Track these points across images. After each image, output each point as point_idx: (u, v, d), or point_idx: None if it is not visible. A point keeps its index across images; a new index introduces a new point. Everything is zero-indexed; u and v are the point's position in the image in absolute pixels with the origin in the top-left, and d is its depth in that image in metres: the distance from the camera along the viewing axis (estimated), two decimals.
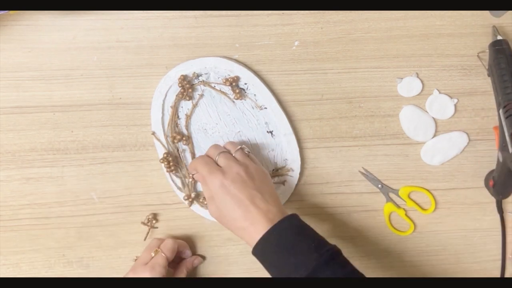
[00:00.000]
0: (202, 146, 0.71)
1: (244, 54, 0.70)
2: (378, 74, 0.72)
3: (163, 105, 0.69)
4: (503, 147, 0.67)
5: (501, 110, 0.66)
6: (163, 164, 0.70)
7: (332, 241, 0.75)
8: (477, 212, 0.75)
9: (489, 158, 0.74)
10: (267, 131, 0.71)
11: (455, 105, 0.72)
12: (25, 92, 0.70)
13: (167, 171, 0.70)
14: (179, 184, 0.71)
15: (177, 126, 0.70)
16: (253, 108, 0.70)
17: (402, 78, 0.72)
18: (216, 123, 0.70)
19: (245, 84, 0.69)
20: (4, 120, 0.70)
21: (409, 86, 0.72)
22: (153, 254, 0.68)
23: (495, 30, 0.69)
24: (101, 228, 0.73)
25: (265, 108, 0.70)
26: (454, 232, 0.76)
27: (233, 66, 0.69)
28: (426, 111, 0.72)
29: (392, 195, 0.74)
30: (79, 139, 0.71)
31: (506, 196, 0.72)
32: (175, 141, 0.70)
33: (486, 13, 0.71)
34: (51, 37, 0.69)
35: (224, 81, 0.68)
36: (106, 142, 0.71)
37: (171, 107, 0.69)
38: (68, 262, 0.73)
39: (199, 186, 0.72)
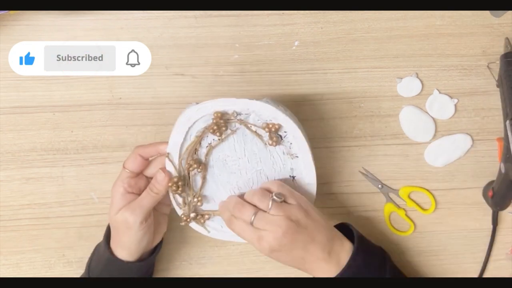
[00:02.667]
0: (216, 173, 0.66)
1: (244, 54, 0.70)
2: (378, 74, 0.72)
3: (187, 131, 0.63)
4: (506, 158, 0.67)
5: (507, 122, 0.66)
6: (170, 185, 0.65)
7: None
8: (477, 212, 0.75)
9: (489, 158, 0.74)
10: (290, 176, 0.66)
11: (455, 105, 0.72)
12: (25, 92, 0.70)
13: (173, 193, 0.65)
14: (180, 201, 0.67)
15: (195, 153, 0.65)
16: (284, 154, 0.65)
17: (402, 78, 0.72)
18: (239, 158, 0.65)
19: (285, 132, 0.64)
20: (4, 120, 0.70)
21: (409, 86, 0.72)
22: None
23: (508, 41, 0.69)
24: (101, 228, 0.72)
25: (297, 157, 0.65)
26: (454, 232, 0.75)
27: (278, 115, 0.62)
28: (426, 111, 0.72)
29: (392, 195, 0.74)
30: (79, 139, 0.71)
31: (504, 208, 0.72)
32: (191, 168, 0.64)
33: (486, 13, 0.71)
34: (51, 37, 0.69)
35: (264, 126, 0.63)
36: (106, 142, 0.71)
37: (197, 136, 0.63)
38: (68, 262, 0.73)
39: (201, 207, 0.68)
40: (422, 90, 0.72)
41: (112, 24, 0.69)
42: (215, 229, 0.68)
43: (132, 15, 0.69)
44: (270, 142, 0.63)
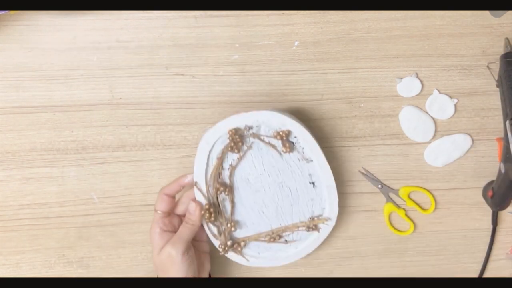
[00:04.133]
0: (242, 195, 0.68)
1: (244, 54, 0.70)
2: (378, 74, 0.72)
3: (208, 156, 0.66)
4: (506, 158, 0.67)
5: (507, 122, 0.66)
6: (203, 213, 0.67)
7: (332, 241, 0.75)
8: (477, 212, 0.75)
9: (489, 158, 0.74)
10: (309, 182, 0.69)
11: (455, 105, 0.72)
12: (25, 92, 0.70)
13: (207, 221, 0.68)
14: (215, 231, 0.69)
15: (219, 176, 0.67)
16: (299, 160, 0.68)
17: (402, 78, 0.72)
18: (259, 174, 0.68)
19: (295, 137, 0.67)
20: (4, 120, 0.70)
21: (408, 86, 0.72)
22: None
23: (507, 41, 0.69)
24: (101, 228, 0.73)
25: (311, 161, 0.68)
26: (454, 232, 0.76)
27: (286, 120, 0.66)
28: (426, 111, 0.72)
29: (392, 195, 0.74)
30: (79, 139, 0.71)
31: (504, 208, 0.72)
32: (218, 192, 0.67)
33: (486, 13, 0.71)
34: (51, 37, 0.69)
35: (275, 134, 0.66)
36: (106, 142, 0.71)
37: (218, 158, 0.66)
38: (68, 262, 0.73)
39: (236, 233, 0.70)
40: (422, 90, 0.72)
41: (112, 24, 0.69)
42: (253, 256, 0.70)
43: (132, 15, 0.69)
44: (284, 149, 0.66)
